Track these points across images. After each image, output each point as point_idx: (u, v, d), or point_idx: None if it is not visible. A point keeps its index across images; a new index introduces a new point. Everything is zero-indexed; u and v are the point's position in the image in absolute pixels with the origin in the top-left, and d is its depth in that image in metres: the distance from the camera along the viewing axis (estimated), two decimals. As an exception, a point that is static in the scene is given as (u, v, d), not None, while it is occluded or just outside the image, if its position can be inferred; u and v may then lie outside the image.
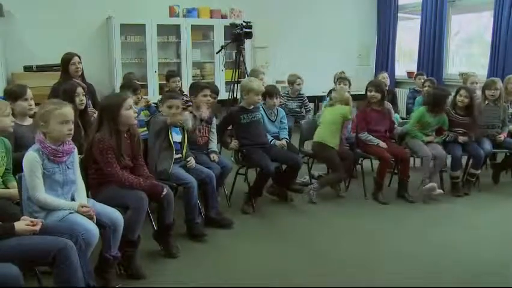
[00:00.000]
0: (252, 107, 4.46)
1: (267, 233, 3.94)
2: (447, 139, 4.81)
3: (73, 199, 2.77)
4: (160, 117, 3.80)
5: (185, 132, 3.89)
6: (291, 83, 6.23)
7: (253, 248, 3.62)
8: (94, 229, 2.64)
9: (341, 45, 8.94)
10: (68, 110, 2.70)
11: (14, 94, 3.50)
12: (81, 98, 3.71)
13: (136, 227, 2.99)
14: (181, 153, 3.82)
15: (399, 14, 9.08)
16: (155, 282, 3.04)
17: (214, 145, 4.32)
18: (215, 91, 4.62)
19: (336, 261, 3.39)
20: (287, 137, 4.80)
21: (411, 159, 4.96)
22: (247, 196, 4.40)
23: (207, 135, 4.27)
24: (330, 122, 4.66)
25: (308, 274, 3.18)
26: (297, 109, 6.08)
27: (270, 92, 4.67)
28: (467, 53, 8.63)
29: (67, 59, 4.64)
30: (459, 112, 4.86)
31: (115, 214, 2.83)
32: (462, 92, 4.84)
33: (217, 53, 7.42)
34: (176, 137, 3.81)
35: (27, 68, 6.65)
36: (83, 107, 3.75)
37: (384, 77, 6.42)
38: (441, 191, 4.64)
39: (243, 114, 4.43)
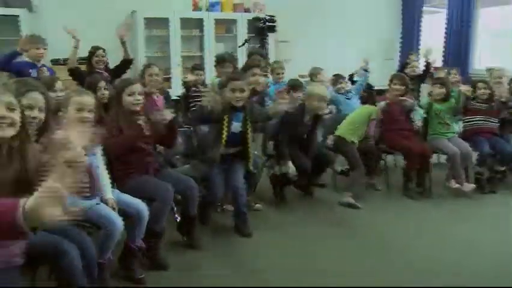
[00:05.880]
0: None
1: (291, 226, 3.94)
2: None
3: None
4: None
5: (248, 123, 3.68)
6: (314, 75, 6.18)
7: (276, 240, 3.63)
8: (118, 221, 2.68)
9: (364, 39, 8.85)
10: (85, 99, 2.70)
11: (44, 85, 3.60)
12: (102, 92, 3.78)
13: (161, 219, 3.02)
14: (244, 150, 3.72)
15: (424, 8, 8.95)
16: (178, 272, 3.08)
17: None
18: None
19: (356, 256, 3.37)
20: None
21: (435, 155, 4.92)
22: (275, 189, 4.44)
23: None
24: (355, 118, 4.65)
25: (325, 269, 3.18)
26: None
27: (295, 86, 4.65)
28: (495, 47, 8.44)
29: (91, 52, 5.07)
30: (480, 102, 4.88)
31: (140, 205, 2.87)
32: (480, 85, 4.88)
33: (239, 47, 7.43)
34: (235, 125, 3.66)
35: (55, 61, 6.76)
36: (105, 100, 3.80)
37: (415, 65, 6.32)
38: (473, 185, 4.59)
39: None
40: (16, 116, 1.87)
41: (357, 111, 4.78)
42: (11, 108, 1.85)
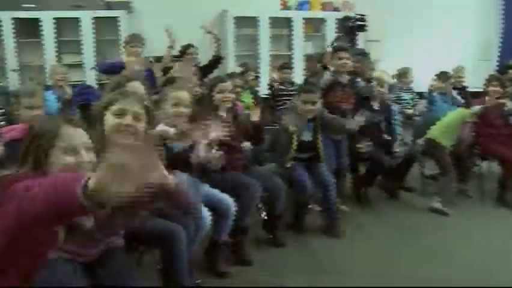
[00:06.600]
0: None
1: (376, 229, 3.89)
2: None
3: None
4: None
5: (318, 132, 3.73)
6: (402, 75, 6.02)
7: (361, 243, 3.60)
8: (207, 216, 2.75)
9: (459, 39, 8.43)
10: (182, 94, 2.77)
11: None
12: (195, 89, 3.90)
13: (247, 215, 3.09)
14: (316, 157, 3.74)
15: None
16: (262, 269, 3.13)
17: None
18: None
19: (443, 263, 3.23)
20: None
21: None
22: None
23: None
24: (448, 121, 4.47)
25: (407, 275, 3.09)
26: (410, 101, 5.91)
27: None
28: None
29: (182, 51, 5.31)
30: None
31: (227, 200, 2.94)
32: None
33: (328, 47, 7.36)
34: (305, 134, 3.70)
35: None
36: (197, 97, 3.92)
37: None
38: None
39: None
40: (141, 126, 1.96)
41: (451, 114, 4.58)
42: (137, 118, 1.96)
